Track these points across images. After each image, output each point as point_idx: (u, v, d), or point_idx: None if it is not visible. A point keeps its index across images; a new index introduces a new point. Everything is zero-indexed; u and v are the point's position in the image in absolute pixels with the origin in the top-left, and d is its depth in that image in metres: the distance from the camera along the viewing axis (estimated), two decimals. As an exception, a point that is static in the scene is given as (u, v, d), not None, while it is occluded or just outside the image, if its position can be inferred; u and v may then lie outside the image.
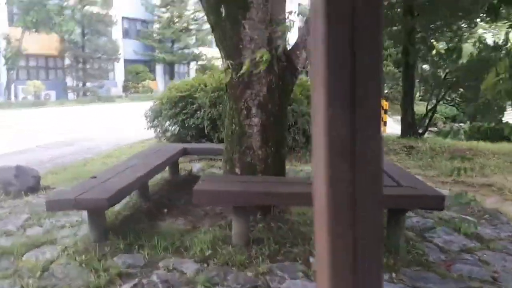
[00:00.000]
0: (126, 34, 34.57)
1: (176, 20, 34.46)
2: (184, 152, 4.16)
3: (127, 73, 32.95)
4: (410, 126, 8.00)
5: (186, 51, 36.00)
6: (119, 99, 29.89)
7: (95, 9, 28.18)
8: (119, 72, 33.66)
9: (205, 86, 6.35)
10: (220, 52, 3.19)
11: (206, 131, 6.08)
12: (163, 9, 35.02)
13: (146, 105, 21.09)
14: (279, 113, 3.18)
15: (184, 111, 6.18)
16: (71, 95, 29.72)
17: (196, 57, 36.51)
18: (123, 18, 33.32)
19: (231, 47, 3.02)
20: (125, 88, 32.78)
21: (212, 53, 39.56)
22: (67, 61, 29.47)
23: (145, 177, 3.12)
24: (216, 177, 2.94)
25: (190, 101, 6.26)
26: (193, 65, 40.67)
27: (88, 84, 29.37)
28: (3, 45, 25.17)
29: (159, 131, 6.74)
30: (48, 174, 4.74)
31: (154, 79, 34.89)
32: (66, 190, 2.56)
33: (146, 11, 35.47)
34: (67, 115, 17.18)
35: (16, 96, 25.82)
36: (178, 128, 6.23)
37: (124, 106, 23.72)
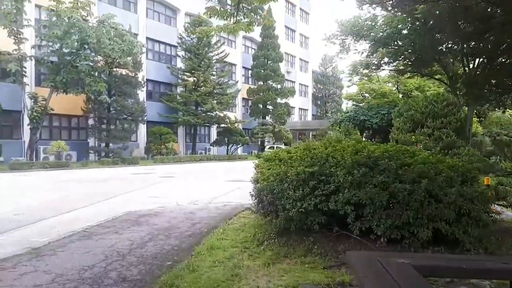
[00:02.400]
0: (149, 96, 34.37)
1: (201, 84, 34.37)
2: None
3: (150, 134, 32.17)
4: None
5: (209, 114, 35.53)
6: (143, 161, 28.76)
7: (123, 71, 28.07)
8: (140, 133, 32.97)
9: (339, 158, 5.00)
10: None
11: (349, 220, 4.62)
12: (188, 73, 35.14)
13: (173, 168, 19.85)
14: None
15: (316, 192, 4.77)
16: (91, 156, 28.68)
17: (221, 120, 35.96)
18: (147, 80, 33.24)
19: None
20: (148, 150, 31.82)
21: (233, 116, 39.30)
22: (90, 121, 28.78)
23: None
24: None
25: (323, 179, 4.87)
26: (214, 128, 40.20)
27: (111, 145, 28.39)
28: (28, 104, 24.59)
29: (273, 215, 5.27)
30: None
31: (176, 141, 34.02)
32: None
33: (171, 74, 35.61)
34: (96, 179, 15.74)
35: (36, 156, 24.75)
36: (301, 213, 4.78)
37: (152, 168, 22.41)
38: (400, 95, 31.47)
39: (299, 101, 56.45)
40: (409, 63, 20.13)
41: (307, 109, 60.25)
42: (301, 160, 5.39)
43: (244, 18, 6.04)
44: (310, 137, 61.14)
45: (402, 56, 19.39)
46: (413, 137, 15.82)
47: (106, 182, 14.90)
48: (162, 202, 9.81)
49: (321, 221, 4.85)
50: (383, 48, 18.90)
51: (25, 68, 24.17)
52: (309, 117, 60.26)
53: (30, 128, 24.40)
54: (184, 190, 12.81)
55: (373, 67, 21.08)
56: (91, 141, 29.16)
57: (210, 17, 6.05)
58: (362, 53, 20.54)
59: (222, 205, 9.55)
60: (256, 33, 44.89)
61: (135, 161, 27.47)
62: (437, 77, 21.01)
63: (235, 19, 5.94)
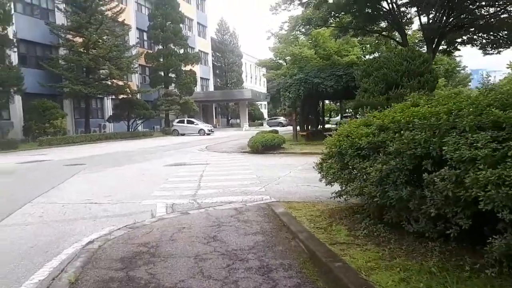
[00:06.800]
0: (22, 61, 26.68)
1: (93, 45, 27.94)
2: None
3: (28, 110, 25.01)
4: None
5: (104, 82, 29.34)
6: (24, 145, 22.18)
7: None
8: (15, 109, 25.50)
9: None
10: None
11: None
12: (73, 32, 28.26)
13: (70, 151, 14.66)
14: None
15: None
16: None
17: (120, 90, 30.09)
18: (19, 40, 25.55)
19: None
20: (28, 130, 24.77)
21: (133, 85, 33.56)
22: None
23: None
24: None
25: None
26: (108, 101, 33.96)
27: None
28: None
29: None
30: None
31: (65, 117, 27.25)
32: None
33: (51, 33, 28.22)
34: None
35: None
36: None
37: (41, 153, 16.51)
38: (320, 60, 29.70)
39: (200, 70, 51.99)
40: (355, 19, 17.94)
41: (208, 79, 56.08)
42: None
43: None
44: (214, 109, 57.47)
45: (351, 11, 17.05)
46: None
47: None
48: (117, 214, 5.69)
49: None
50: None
51: None
52: (211, 88, 56.36)
53: None
54: (126, 185, 8.51)
55: (318, 23, 18.36)
56: None
57: None
58: (308, 5, 17.66)
59: (227, 207, 5.87)
60: (150, -11, 38.88)
61: (13, 145, 20.95)
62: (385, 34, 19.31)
63: None
